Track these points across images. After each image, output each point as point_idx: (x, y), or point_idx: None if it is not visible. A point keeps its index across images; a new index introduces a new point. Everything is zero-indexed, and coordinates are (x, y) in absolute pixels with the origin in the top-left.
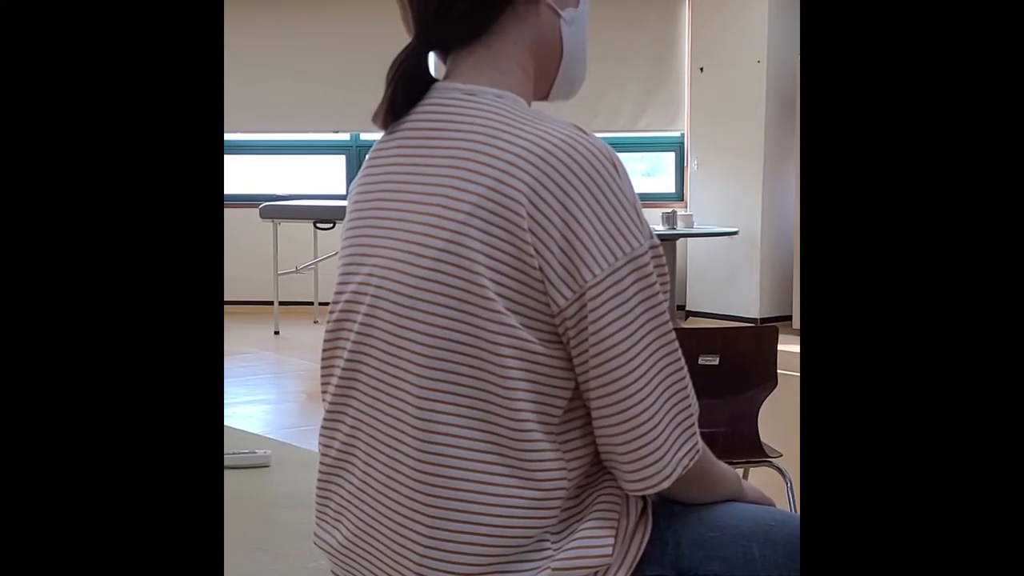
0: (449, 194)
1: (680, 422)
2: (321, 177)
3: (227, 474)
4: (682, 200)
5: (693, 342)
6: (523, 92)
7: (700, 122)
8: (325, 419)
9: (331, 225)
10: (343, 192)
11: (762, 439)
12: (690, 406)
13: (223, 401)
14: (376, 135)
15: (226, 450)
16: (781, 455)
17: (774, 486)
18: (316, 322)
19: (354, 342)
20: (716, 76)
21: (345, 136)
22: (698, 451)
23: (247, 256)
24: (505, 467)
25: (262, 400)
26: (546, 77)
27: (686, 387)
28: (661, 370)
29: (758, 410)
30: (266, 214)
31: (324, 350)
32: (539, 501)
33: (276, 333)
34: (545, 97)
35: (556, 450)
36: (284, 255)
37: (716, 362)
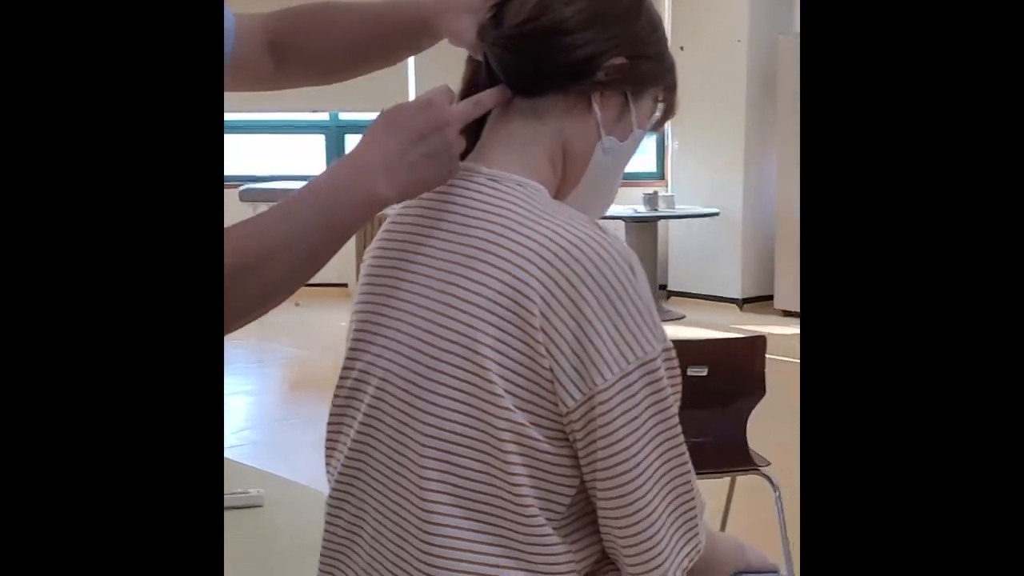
0: (463, 284)
1: (682, 524)
2: (300, 157)
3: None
4: (663, 179)
5: (683, 353)
6: (546, 183)
7: (681, 102)
8: (332, 492)
9: None
10: None
11: (751, 447)
12: (693, 507)
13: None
14: (357, 114)
15: None
16: (770, 463)
17: (763, 495)
18: (297, 304)
19: (361, 423)
20: (696, 55)
21: (324, 116)
22: (699, 551)
23: None
24: (512, 559)
25: (245, 391)
26: (566, 184)
27: (690, 490)
28: (666, 474)
29: (747, 419)
30: (246, 197)
31: (329, 423)
32: None
33: None
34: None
35: (563, 543)
36: None
37: (705, 373)
